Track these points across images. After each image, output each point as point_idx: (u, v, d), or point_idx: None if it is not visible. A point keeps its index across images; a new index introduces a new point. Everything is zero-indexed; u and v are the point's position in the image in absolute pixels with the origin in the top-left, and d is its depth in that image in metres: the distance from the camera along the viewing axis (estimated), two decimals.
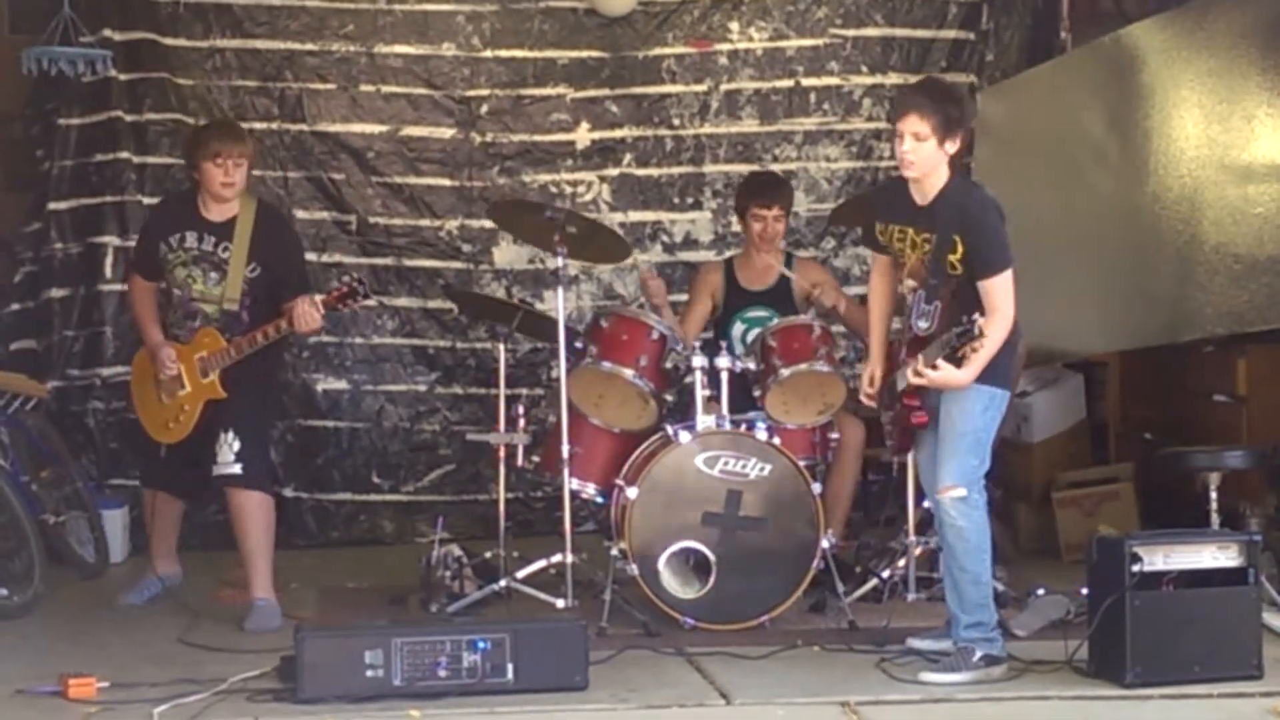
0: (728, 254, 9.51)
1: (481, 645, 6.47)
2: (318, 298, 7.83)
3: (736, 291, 8.81)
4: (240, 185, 7.96)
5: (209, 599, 8.25)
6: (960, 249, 6.76)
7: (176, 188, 9.33)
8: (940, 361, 6.69)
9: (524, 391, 9.83)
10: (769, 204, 8.75)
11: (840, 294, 8.75)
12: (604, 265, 10.15)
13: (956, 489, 6.78)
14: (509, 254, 10.28)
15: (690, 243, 10.44)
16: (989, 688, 6.63)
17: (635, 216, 10.44)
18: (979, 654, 6.76)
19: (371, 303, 8.09)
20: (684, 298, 9.23)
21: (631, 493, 7.66)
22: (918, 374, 6.76)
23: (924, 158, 6.81)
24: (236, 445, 7.84)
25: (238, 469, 7.86)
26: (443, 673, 6.44)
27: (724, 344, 8.44)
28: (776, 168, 10.30)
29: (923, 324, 6.86)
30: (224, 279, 7.91)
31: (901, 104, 7.05)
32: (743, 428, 7.80)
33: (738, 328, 8.70)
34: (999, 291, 6.73)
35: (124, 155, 9.91)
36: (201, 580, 8.43)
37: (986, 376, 6.76)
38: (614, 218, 10.28)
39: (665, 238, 10.47)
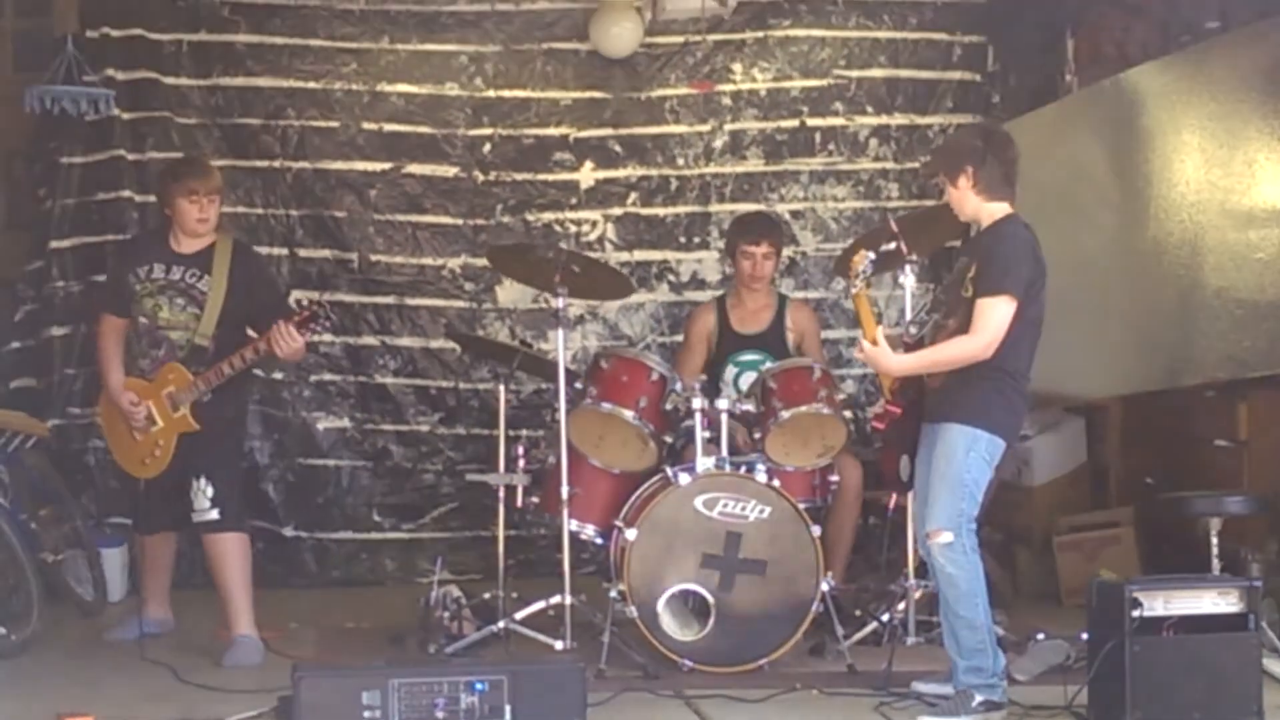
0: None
1: (479, 687, 6.44)
2: (292, 328, 7.84)
3: (729, 335, 8.82)
4: (214, 221, 8.08)
5: (209, 638, 8.21)
6: (974, 269, 6.80)
7: None
8: (880, 336, 6.78)
9: (525, 432, 9.81)
10: (756, 240, 8.78)
11: (820, 357, 8.75)
12: (610, 304, 10.19)
13: (943, 534, 6.77)
14: (512, 293, 10.28)
15: (697, 282, 10.44)
16: None
17: (640, 256, 10.45)
18: (978, 699, 6.74)
19: (326, 323, 8.13)
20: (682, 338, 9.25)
21: (630, 534, 7.64)
22: (860, 349, 6.87)
23: (955, 202, 7.02)
24: (210, 490, 7.92)
25: (215, 514, 7.95)
26: (440, 714, 6.40)
27: (721, 386, 8.46)
28: (783, 208, 10.34)
29: (914, 329, 6.90)
30: (194, 307, 7.97)
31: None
32: (742, 470, 7.79)
33: (730, 371, 8.71)
34: (985, 312, 6.70)
35: (126, 194, 9.92)
36: (202, 619, 8.40)
37: (968, 417, 6.77)
38: (619, 257, 10.30)
39: (672, 277, 10.47)
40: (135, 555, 9.01)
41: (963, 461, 6.76)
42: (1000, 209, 6.94)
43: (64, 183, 9.93)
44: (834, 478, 8.19)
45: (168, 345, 8.02)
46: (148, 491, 8.18)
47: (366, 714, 6.36)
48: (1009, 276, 6.75)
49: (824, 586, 7.63)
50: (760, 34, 10.49)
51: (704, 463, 7.78)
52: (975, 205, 6.94)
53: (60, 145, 9.91)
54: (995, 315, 6.69)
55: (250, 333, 8.02)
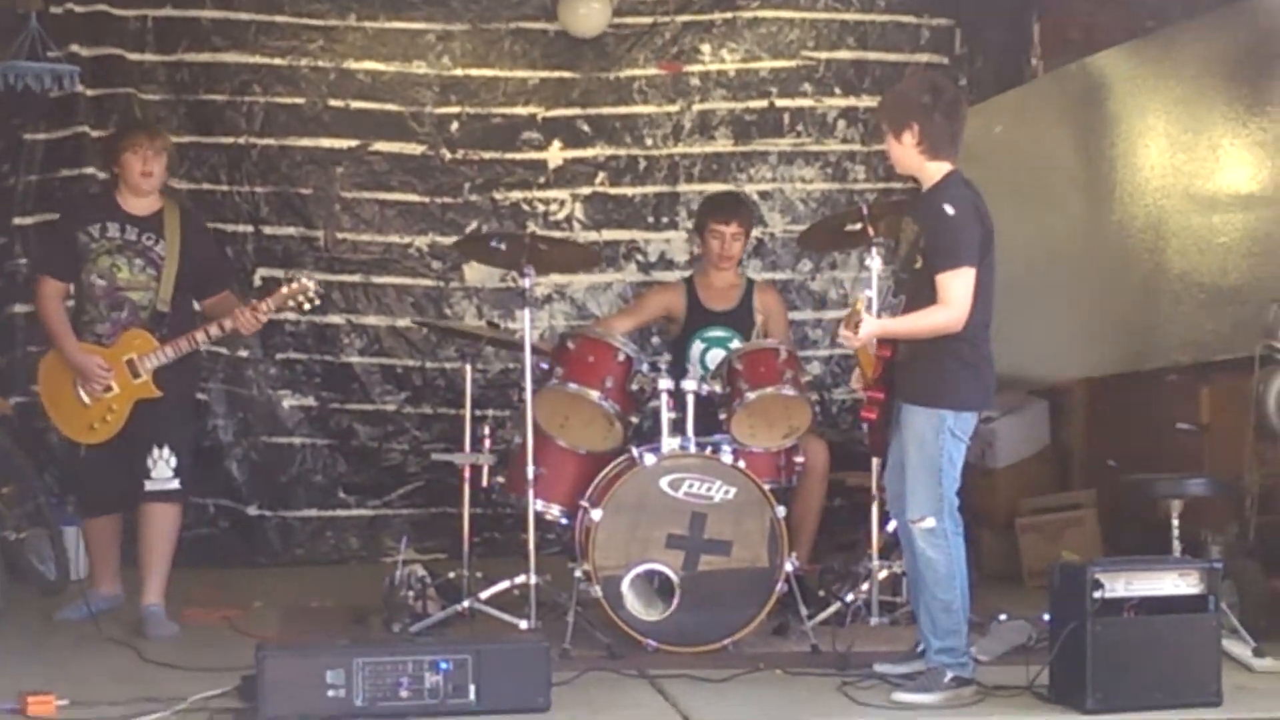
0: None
1: (444, 666, 6.45)
2: (269, 301, 7.93)
3: (698, 311, 8.84)
4: (158, 179, 8.11)
5: (174, 617, 8.18)
6: (923, 239, 6.75)
7: None
8: (865, 316, 6.70)
9: (492, 412, 9.80)
10: (726, 220, 8.81)
11: (786, 338, 8.77)
12: (578, 284, 10.20)
13: (925, 520, 6.76)
14: (480, 272, 10.26)
15: (665, 262, 10.44)
16: (949, 713, 6.64)
17: (608, 235, 10.44)
18: (950, 675, 6.76)
19: (317, 302, 8.14)
20: None
21: (596, 514, 7.65)
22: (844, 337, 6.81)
23: (895, 156, 6.89)
24: (174, 461, 7.94)
25: (175, 484, 7.97)
26: (404, 693, 6.41)
27: (689, 366, 8.47)
28: (751, 188, 10.35)
29: (885, 315, 6.87)
30: (152, 269, 7.97)
31: None
32: (708, 450, 7.80)
33: (697, 347, 8.75)
34: (948, 287, 6.63)
35: (89, 171, 9.85)
36: (167, 598, 8.37)
37: (931, 399, 6.74)
38: (587, 236, 10.30)
39: (640, 257, 10.47)
40: None
41: (934, 445, 6.73)
42: (941, 169, 6.79)
43: (27, 159, 9.87)
44: (799, 459, 8.21)
45: (130, 307, 8.01)
46: (89, 465, 8.16)
47: (330, 693, 6.37)
48: (962, 247, 6.66)
49: (788, 567, 7.66)
50: (729, 15, 10.50)
51: (669, 443, 7.79)
52: (916, 163, 6.80)
53: (23, 122, 9.85)
54: (958, 287, 6.63)
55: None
